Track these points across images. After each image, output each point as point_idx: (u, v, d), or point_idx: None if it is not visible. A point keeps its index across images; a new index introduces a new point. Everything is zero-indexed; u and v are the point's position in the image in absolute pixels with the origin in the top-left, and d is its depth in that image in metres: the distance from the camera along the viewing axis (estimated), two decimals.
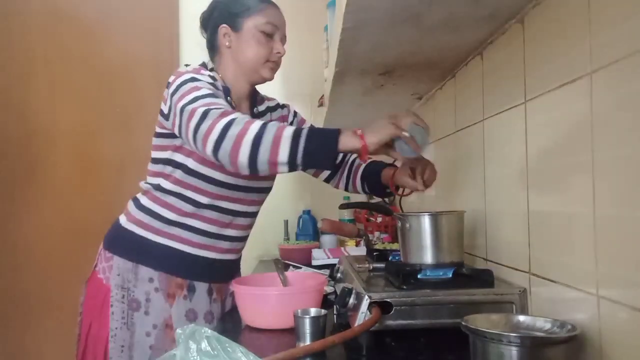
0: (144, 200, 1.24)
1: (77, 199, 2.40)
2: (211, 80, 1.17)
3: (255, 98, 1.37)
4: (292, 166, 0.97)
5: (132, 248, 1.22)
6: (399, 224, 1.09)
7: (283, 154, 0.96)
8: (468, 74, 1.27)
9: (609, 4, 0.69)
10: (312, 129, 1.01)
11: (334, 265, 1.37)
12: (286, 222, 2.44)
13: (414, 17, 0.96)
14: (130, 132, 2.39)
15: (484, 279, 0.96)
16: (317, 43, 2.27)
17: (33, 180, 2.37)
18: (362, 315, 0.90)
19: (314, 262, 1.87)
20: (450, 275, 0.99)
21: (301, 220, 2.41)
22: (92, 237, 2.37)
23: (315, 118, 2.54)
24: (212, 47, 1.30)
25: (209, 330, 0.73)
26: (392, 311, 0.90)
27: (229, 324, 1.15)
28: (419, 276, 0.99)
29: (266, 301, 1.10)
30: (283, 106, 1.46)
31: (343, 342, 0.87)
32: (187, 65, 1.23)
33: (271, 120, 1.19)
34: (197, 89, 1.10)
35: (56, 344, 2.33)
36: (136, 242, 1.21)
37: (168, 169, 1.22)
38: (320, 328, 0.92)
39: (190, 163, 1.19)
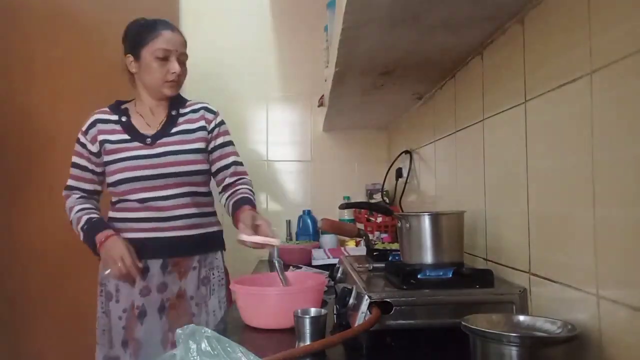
0: (109, 215, 1.56)
1: None
2: (85, 138, 1.56)
3: (176, 103, 1.59)
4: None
5: None
6: (399, 224, 1.08)
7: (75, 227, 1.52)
8: (468, 74, 1.27)
9: (609, 4, 0.69)
10: (89, 224, 1.48)
11: (334, 265, 1.37)
12: (288, 222, 2.44)
13: (414, 17, 0.96)
14: None
15: (484, 279, 0.96)
16: (317, 43, 2.27)
17: (33, 180, 2.37)
18: (362, 315, 0.90)
19: (314, 262, 1.87)
20: (450, 275, 0.99)
21: (301, 220, 2.41)
22: None
23: (315, 118, 2.54)
24: (128, 69, 1.56)
25: (209, 330, 0.72)
26: (392, 311, 0.90)
27: (229, 324, 1.15)
28: (419, 276, 0.99)
29: (266, 301, 1.10)
30: (212, 112, 1.62)
31: (343, 342, 0.87)
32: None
33: (192, 119, 1.56)
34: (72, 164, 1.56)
35: (56, 344, 2.33)
36: None
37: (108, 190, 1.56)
38: (320, 328, 0.92)
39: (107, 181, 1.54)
